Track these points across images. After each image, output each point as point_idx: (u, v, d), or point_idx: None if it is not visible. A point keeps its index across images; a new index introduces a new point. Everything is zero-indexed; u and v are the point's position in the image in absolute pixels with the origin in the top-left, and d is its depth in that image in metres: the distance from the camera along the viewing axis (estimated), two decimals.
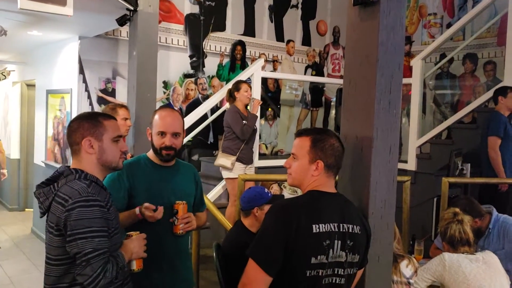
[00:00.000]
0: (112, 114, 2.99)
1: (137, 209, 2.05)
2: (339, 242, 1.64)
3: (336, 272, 1.66)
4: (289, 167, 1.80)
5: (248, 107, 4.57)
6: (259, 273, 1.60)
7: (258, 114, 4.78)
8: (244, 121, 4.36)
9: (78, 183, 1.67)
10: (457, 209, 2.75)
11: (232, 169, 4.35)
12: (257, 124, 4.72)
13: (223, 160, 4.39)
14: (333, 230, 1.64)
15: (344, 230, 1.66)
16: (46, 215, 1.73)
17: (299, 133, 1.80)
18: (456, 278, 2.45)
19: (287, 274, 1.61)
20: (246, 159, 4.45)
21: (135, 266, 1.80)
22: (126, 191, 2.11)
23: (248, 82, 4.75)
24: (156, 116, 2.20)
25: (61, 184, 1.68)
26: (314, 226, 1.61)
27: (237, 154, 4.37)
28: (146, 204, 2.04)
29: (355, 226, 1.69)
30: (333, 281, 1.66)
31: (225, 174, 4.46)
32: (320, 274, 1.62)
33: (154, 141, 2.18)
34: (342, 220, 1.67)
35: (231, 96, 4.48)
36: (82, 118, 1.80)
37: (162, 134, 2.15)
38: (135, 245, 1.78)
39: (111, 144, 1.78)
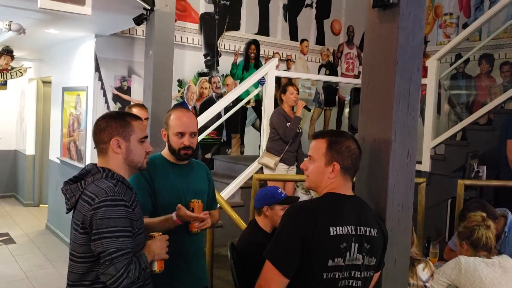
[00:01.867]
0: None
1: (173, 215, 2.04)
2: (356, 245, 1.64)
3: (352, 275, 1.66)
4: (306, 169, 1.80)
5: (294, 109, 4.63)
6: (275, 274, 1.60)
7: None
8: (288, 123, 4.41)
9: (105, 182, 1.68)
10: (485, 214, 2.72)
11: (274, 169, 4.40)
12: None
13: (267, 159, 4.46)
14: (350, 232, 1.63)
15: (361, 233, 1.66)
16: (72, 212, 1.74)
17: (316, 135, 1.80)
18: (472, 282, 2.43)
19: (303, 276, 1.62)
20: (289, 160, 4.50)
21: (157, 267, 1.81)
22: (150, 189, 2.13)
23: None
24: (172, 117, 2.20)
25: (88, 182, 1.70)
26: (331, 228, 1.61)
27: (282, 155, 4.43)
28: (179, 205, 2.04)
29: (372, 229, 1.69)
30: (350, 284, 1.66)
31: (267, 173, 4.52)
32: (336, 276, 1.62)
33: (172, 142, 2.19)
34: (359, 223, 1.67)
35: (280, 98, 4.57)
36: (111, 118, 1.80)
37: (181, 135, 2.17)
38: (157, 246, 1.79)
39: (137, 144, 1.80)
